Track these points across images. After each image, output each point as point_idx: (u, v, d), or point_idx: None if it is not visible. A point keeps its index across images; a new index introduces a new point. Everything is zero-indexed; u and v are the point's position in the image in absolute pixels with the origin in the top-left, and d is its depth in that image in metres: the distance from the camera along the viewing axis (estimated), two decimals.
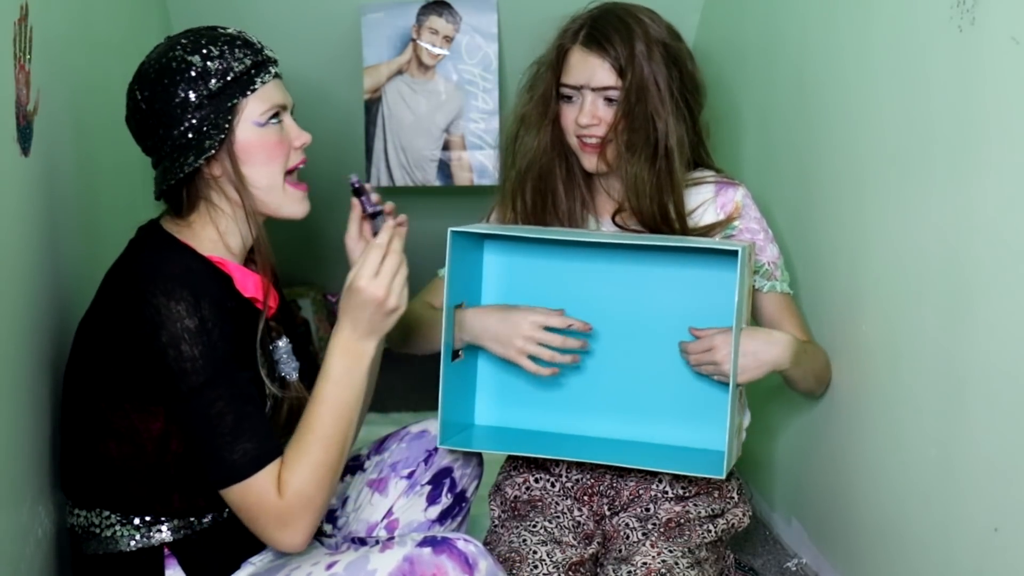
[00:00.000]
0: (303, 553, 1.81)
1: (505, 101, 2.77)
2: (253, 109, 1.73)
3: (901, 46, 1.83)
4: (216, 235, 1.76)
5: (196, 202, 1.75)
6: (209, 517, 1.75)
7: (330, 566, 1.68)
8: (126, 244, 1.77)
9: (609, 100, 2.00)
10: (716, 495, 2.06)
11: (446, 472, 2.03)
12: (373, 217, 1.80)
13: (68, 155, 1.96)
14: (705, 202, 2.08)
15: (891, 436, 1.92)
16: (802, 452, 2.33)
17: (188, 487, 1.70)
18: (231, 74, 1.70)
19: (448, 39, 2.78)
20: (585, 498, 2.08)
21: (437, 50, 2.79)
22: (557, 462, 2.10)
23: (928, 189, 1.76)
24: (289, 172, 1.77)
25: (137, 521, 1.72)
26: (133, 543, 1.72)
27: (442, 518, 2.03)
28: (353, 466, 2.05)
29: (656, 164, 2.00)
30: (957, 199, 1.68)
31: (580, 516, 2.06)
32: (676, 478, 2.05)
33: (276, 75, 1.76)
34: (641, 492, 2.06)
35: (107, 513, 1.72)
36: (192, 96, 1.69)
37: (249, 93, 1.72)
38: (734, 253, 1.89)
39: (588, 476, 2.09)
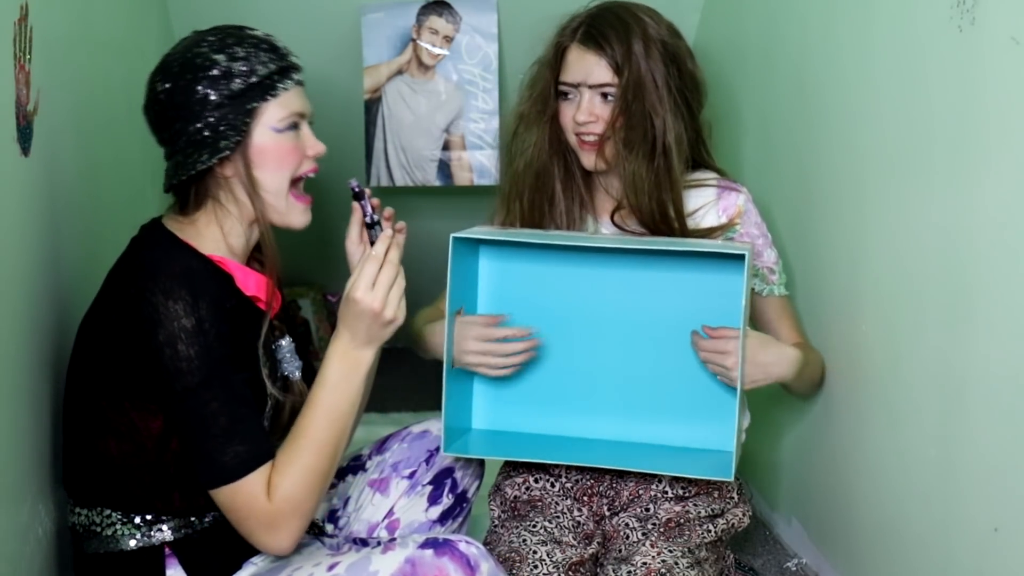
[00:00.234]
0: (305, 554, 1.81)
1: (505, 101, 2.77)
2: (272, 114, 1.73)
3: (901, 46, 1.83)
4: (219, 234, 1.76)
5: (204, 200, 1.75)
6: (210, 516, 1.75)
7: (332, 567, 1.68)
8: (127, 243, 1.77)
9: (606, 97, 2.01)
10: (716, 495, 2.06)
11: (448, 472, 2.04)
12: (370, 227, 1.80)
13: (68, 155, 1.96)
14: (706, 204, 2.08)
15: (891, 436, 1.92)
16: (802, 452, 2.33)
17: (188, 486, 1.70)
18: (254, 77, 1.70)
19: (448, 39, 2.78)
20: (585, 498, 2.08)
21: (437, 50, 2.79)
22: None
23: (928, 189, 1.76)
24: (296, 181, 1.77)
25: (138, 520, 1.72)
26: (134, 542, 1.72)
27: (443, 518, 2.03)
28: (355, 466, 2.05)
29: (654, 161, 2.00)
30: (957, 198, 1.68)
31: (580, 516, 2.06)
32: (676, 478, 2.05)
33: (298, 82, 1.76)
34: (641, 492, 2.06)
35: (108, 512, 1.72)
36: (213, 95, 1.69)
37: (270, 98, 1.72)
38: (736, 256, 1.88)
39: (588, 476, 2.09)
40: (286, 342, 1.84)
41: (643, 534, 1.99)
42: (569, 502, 2.07)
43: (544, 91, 2.06)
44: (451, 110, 2.82)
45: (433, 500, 2.02)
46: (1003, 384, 1.60)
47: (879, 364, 1.95)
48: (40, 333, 1.79)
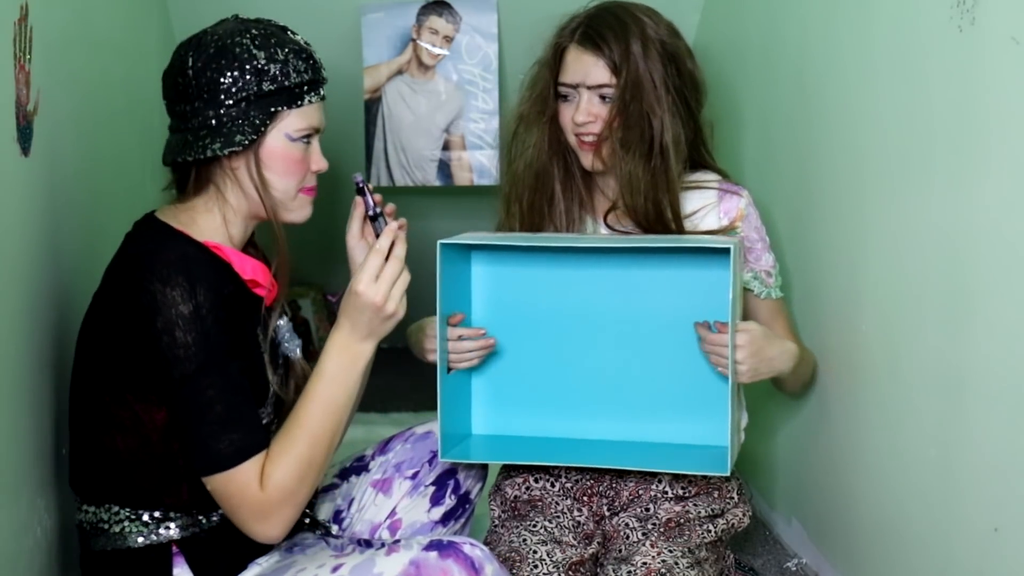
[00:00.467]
0: (309, 554, 1.82)
1: (505, 101, 2.77)
2: (291, 123, 1.73)
3: (901, 46, 1.83)
4: (217, 221, 1.76)
5: (205, 185, 1.75)
6: (217, 515, 1.75)
7: (336, 568, 1.68)
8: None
9: (605, 98, 2.01)
10: (716, 495, 2.06)
11: (450, 473, 2.04)
12: (373, 220, 1.81)
13: (68, 155, 1.96)
14: (707, 206, 2.08)
15: (891, 436, 1.92)
16: (802, 452, 2.33)
17: (196, 479, 1.70)
18: (286, 82, 1.71)
19: (448, 39, 2.78)
20: (585, 498, 2.08)
21: (437, 50, 2.79)
22: None
23: (928, 189, 1.76)
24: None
25: (146, 517, 1.72)
26: (141, 539, 1.72)
27: (445, 519, 2.03)
28: (358, 467, 2.05)
29: (651, 161, 2.00)
30: (957, 198, 1.68)
31: (580, 516, 2.06)
32: (676, 478, 2.05)
33: (322, 97, 1.77)
34: (641, 492, 2.06)
35: (116, 509, 1.73)
36: (242, 88, 1.69)
37: (295, 107, 1.73)
38: (725, 251, 1.89)
39: (588, 476, 2.09)
40: (283, 322, 1.84)
41: (643, 534, 1.99)
42: (569, 502, 2.07)
43: (543, 92, 2.06)
44: (451, 110, 2.82)
45: (435, 501, 2.02)
46: (1003, 384, 1.60)
47: (878, 364, 1.95)
48: (40, 332, 1.79)
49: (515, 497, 2.10)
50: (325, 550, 1.87)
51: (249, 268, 1.77)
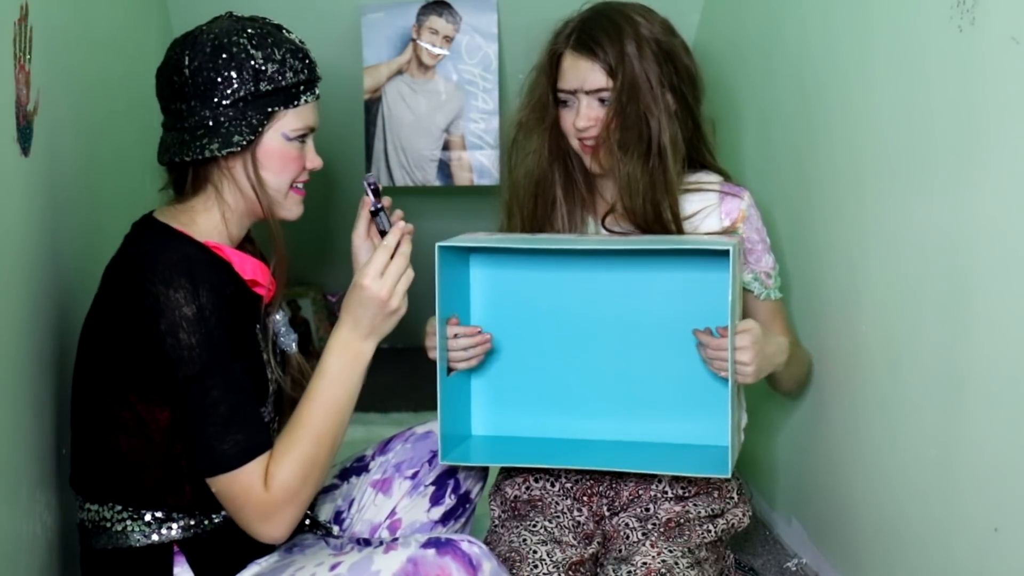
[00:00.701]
0: (308, 554, 1.82)
1: (505, 101, 2.77)
2: (288, 123, 1.74)
3: (901, 46, 1.83)
4: (216, 220, 1.76)
5: (203, 185, 1.76)
6: (219, 516, 1.75)
7: (334, 567, 1.68)
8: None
9: (604, 101, 2.01)
10: (716, 495, 2.06)
11: (450, 473, 2.04)
12: (374, 215, 1.81)
13: (68, 155, 1.96)
14: (708, 207, 2.08)
15: (891, 436, 1.92)
16: (801, 452, 2.33)
17: (200, 479, 1.70)
18: (283, 82, 1.71)
19: (448, 39, 2.78)
20: (585, 498, 2.08)
21: (437, 50, 2.79)
22: None
23: (928, 188, 1.76)
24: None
25: (148, 517, 1.73)
26: (143, 539, 1.72)
27: (445, 519, 2.03)
28: (358, 467, 2.05)
29: (649, 162, 2.00)
30: (957, 198, 1.68)
31: (580, 516, 2.06)
32: (676, 478, 2.05)
33: (317, 96, 1.77)
34: (641, 492, 2.06)
35: (119, 508, 1.73)
36: (239, 88, 1.69)
37: (291, 107, 1.73)
38: (725, 252, 1.89)
39: (588, 476, 2.09)
40: (280, 316, 1.84)
41: (643, 534, 1.99)
42: (569, 502, 2.07)
43: (542, 98, 2.06)
44: (451, 110, 2.82)
45: (435, 501, 2.02)
46: (1003, 384, 1.60)
47: (879, 364, 1.95)
48: (41, 332, 1.79)
49: (515, 497, 2.10)
50: (324, 549, 1.87)
51: (249, 268, 1.77)
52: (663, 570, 1.91)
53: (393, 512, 2.00)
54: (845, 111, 2.05)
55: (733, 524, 2.05)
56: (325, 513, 2.00)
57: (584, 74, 2.00)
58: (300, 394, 1.76)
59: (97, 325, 1.72)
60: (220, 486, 1.66)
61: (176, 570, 1.72)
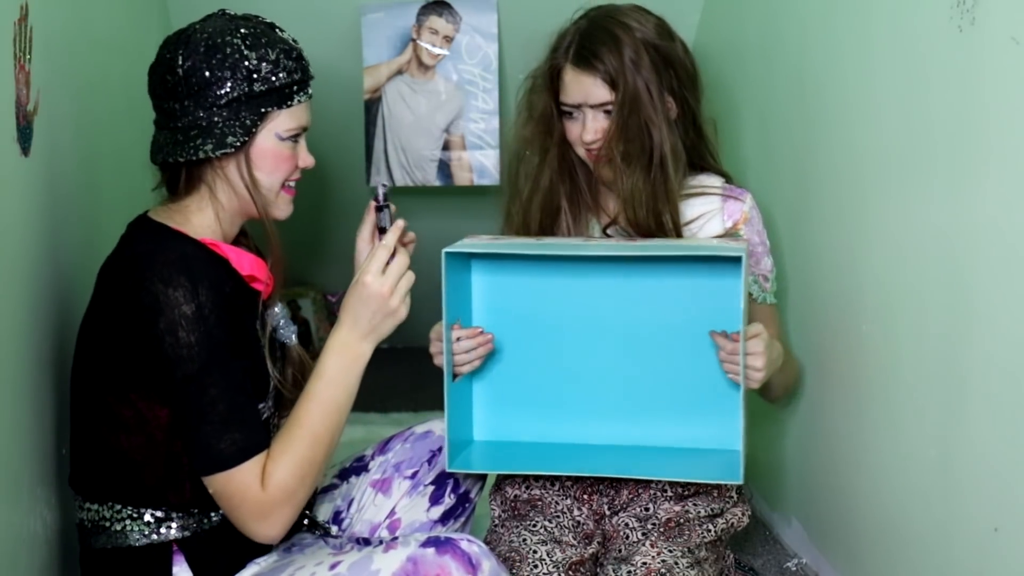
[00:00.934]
0: (308, 553, 1.82)
1: (505, 101, 2.77)
2: (281, 123, 1.74)
3: (901, 46, 1.83)
4: (209, 220, 1.76)
5: (196, 184, 1.76)
6: (219, 515, 1.75)
7: (334, 566, 1.68)
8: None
9: (609, 112, 2.01)
10: (715, 494, 2.06)
11: (450, 472, 2.03)
12: (379, 211, 1.81)
13: (68, 155, 1.96)
14: (710, 212, 2.08)
15: (891, 436, 1.92)
16: (802, 452, 2.33)
17: (199, 477, 1.70)
18: (276, 83, 1.71)
19: (448, 39, 2.78)
20: (585, 497, 2.08)
21: (437, 50, 2.79)
22: None
23: (928, 188, 1.76)
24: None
25: (148, 517, 1.73)
26: (142, 538, 1.72)
27: (445, 519, 2.03)
28: (358, 467, 2.05)
29: (651, 173, 2.01)
30: (957, 198, 1.68)
31: (580, 516, 2.06)
32: None
33: (310, 96, 1.77)
34: (640, 491, 2.06)
35: (119, 507, 1.73)
36: (233, 90, 1.69)
37: (285, 107, 1.73)
38: (732, 259, 1.88)
39: (587, 475, 2.08)
40: (279, 309, 1.84)
41: (643, 534, 1.99)
42: (569, 501, 2.07)
43: (545, 112, 2.06)
44: (451, 110, 2.82)
45: (435, 500, 2.02)
46: (1003, 384, 1.60)
47: (879, 364, 1.95)
48: (41, 332, 1.79)
49: (515, 497, 2.10)
50: (324, 549, 1.87)
51: (247, 264, 1.78)
52: (663, 570, 1.91)
53: (392, 512, 2.00)
54: (845, 111, 2.05)
55: (732, 523, 2.05)
56: (324, 513, 2.00)
57: (587, 89, 2.00)
58: (300, 386, 1.76)
59: (96, 324, 1.72)
60: (217, 485, 1.66)
61: (175, 569, 1.72)
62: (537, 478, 2.10)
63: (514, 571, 1.92)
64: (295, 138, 1.77)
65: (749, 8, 2.54)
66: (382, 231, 1.82)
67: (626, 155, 2.00)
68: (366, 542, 1.95)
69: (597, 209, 2.12)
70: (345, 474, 2.05)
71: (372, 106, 2.83)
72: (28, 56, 1.71)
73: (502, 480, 2.14)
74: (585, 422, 2.04)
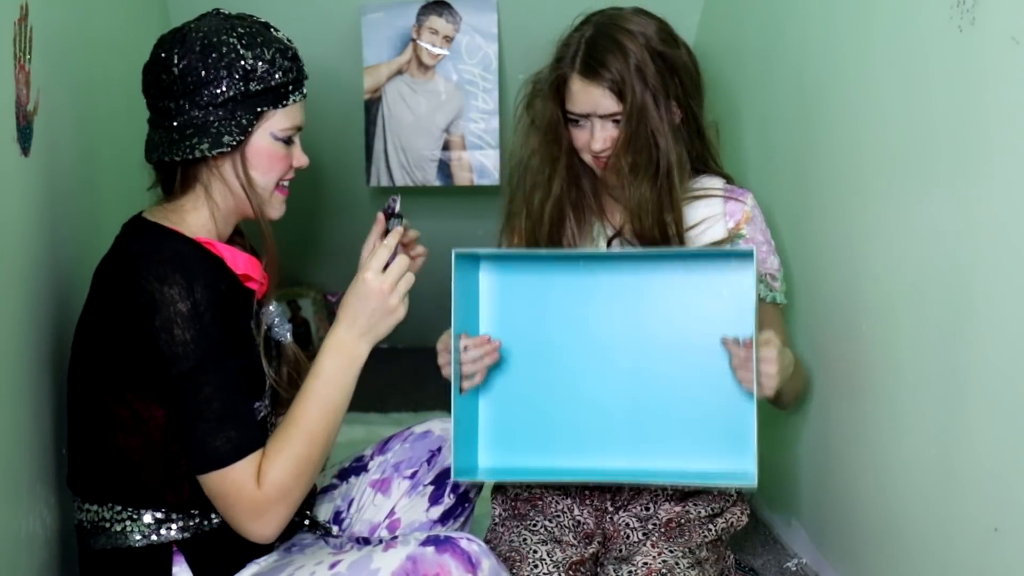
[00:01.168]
0: (307, 553, 1.82)
1: (505, 101, 2.77)
2: (277, 122, 1.74)
3: (901, 46, 1.83)
4: (204, 219, 1.76)
5: (192, 184, 1.76)
6: (218, 516, 1.75)
7: (333, 565, 1.68)
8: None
9: (617, 122, 2.00)
10: (715, 494, 2.06)
11: (449, 473, 2.03)
12: (388, 218, 1.81)
13: (68, 155, 1.96)
14: (713, 215, 2.08)
15: (891, 436, 1.92)
16: (802, 452, 2.33)
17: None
18: (272, 82, 1.71)
19: (448, 39, 2.78)
20: (585, 497, 2.08)
21: (437, 50, 2.79)
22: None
23: (928, 188, 1.76)
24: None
25: (148, 518, 1.72)
26: (141, 539, 1.72)
27: (444, 518, 2.03)
28: (357, 467, 2.05)
29: (658, 182, 2.01)
30: (957, 198, 1.68)
31: (580, 515, 2.06)
32: None
33: (305, 95, 1.77)
34: (640, 491, 2.06)
35: (118, 508, 1.73)
36: (229, 89, 1.69)
37: (280, 107, 1.73)
38: (743, 254, 1.87)
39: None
40: (273, 307, 1.84)
41: (644, 534, 1.99)
42: (569, 501, 2.07)
43: (552, 120, 2.05)
44: (451, 110, 2.82)
45: (434, 500, 2.02)
46: (1003, 384, 1.60)
47: (879, 364, 1.95)
48: (40, 332, 1.79)
49: (515, 496, 2.10)
50: (323, 548, 1.88)
51: (242, 263, 1.78)
52: (664, 570, 1.91)
53: (392, 512, 2.00)
54: (845, 112, 2.05)
55: (732, 523, 2.06)
56: (324, 513, 2.00)
57: (596, 100, 1.99)
58: (296, 385, 1.76)
59: (92, 324, 1.72)
60: (212, 483, 1.66)
61: (175, 570, 1.72)
62: None
63: (514, 571, 1.92)
64: (290, 138, 1.77)
65: (749, 8, 2.54)
66: (386, 234, 1.81)
67: (634, 166, 2.00)
68: (366, 542, 1.95)
69: (602, 215, 2.13)
70: (344, 474, 2.05)
71: (372, 106, 2.83)
72: (28, 56, 1.71)
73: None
74: (595, 438, 1.99)
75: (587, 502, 2.08)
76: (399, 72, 2.81)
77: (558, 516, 2.05)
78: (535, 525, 2.02)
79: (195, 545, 1.74)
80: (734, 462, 1.92)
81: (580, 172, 2.10)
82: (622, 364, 1.99)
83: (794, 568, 2.34)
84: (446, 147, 2.84)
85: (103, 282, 1.72)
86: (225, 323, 1.68)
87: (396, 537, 1.82)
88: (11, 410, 1.68)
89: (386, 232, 1.81)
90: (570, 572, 1.94)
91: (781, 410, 2.28)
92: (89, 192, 2.08)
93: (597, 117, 2.01)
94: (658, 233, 2.03)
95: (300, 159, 1.80)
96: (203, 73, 1.69)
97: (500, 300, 2.02)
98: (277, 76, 1.72)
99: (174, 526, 1.73)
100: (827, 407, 2.18)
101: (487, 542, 2.02)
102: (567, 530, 2.02)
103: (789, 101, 2.31)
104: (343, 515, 2.01)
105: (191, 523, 1.74)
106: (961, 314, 1.69)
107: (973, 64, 1.62)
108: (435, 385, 1.96)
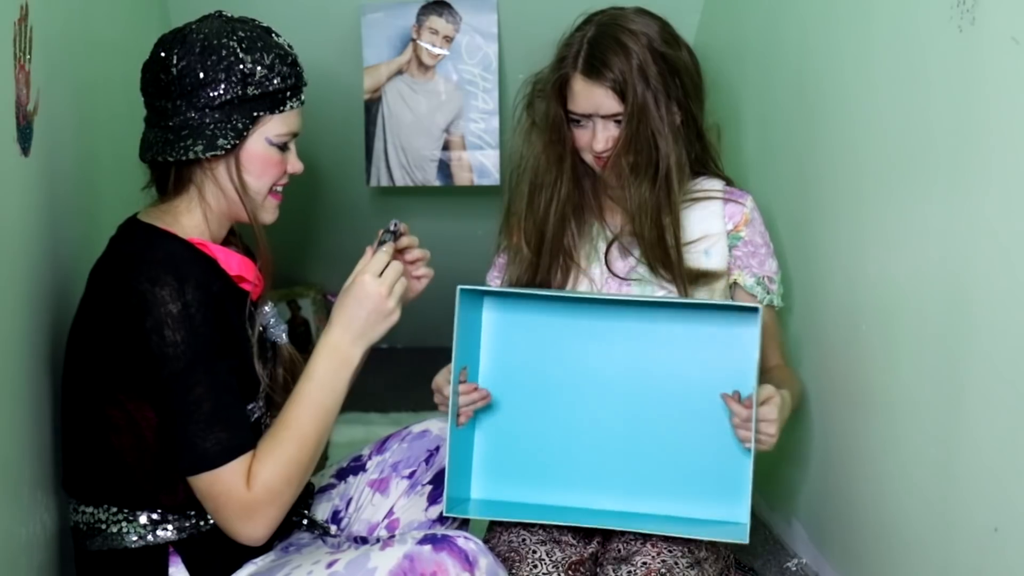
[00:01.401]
0: (305, 552, 1.82)
1: (505, 101, 2.77)
2: (273, 128, 1.74)
3: (901, 46, 1.83)
4: (197, 221, 1.77)
5: (185, 185, 1.76)
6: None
7: (331, 564, 1.68)
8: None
9: (619, 122, 2.00)
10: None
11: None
12: (384, 233, 1.81)
13: (68, 155, 1.96)
14: (713, 217, 2.09)
15: (891, 436, 1.92)
16: (802, 452, 2.33)
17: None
18: (270, 87, 1.71)
19: (448, 39, 2.78)
20: None
21: (437, 50, 2.79)
22: None
23: (928, 188, 1.76)
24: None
25: (143, 519, 1.72)
26: (138, 540, 1.72)
27: (443, 518, 2.03)
28: (355, 467, 2.05)
29: (657, 184, 2.01)
30: (957, 198, 1.68)
31: None
32: None
33: (302, 102, 1.77)
34: None
35: (114, 509, 1.73)
36: (227, 92, 1.69)
37: (277, 112, 1.73)
38: (749, 309, 1.86)
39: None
40: (269, 307, 1.84)
41: (643, 534, 1.99)
42: None
43: (556, 121, 2.05)
44: (451, 110, 2.82)
45: (433, 500, 2.02)
46: (1003, 384, 1.60)
47: (879, 364, 1.95)
48: (39, 333, 1.79)
49: None
50: (321, 548, 1.87)
51: (235, 264, 1.78)
52: (663, 570, 1.91)
53: (391, 511, 2.00)
54: (845, 112, 2.05)
55: None
56: (322, 513, 2.00)
57: (598, 100, 1.99)
58: (290, 386, 1.76)
59: (85, 326, 1.72)
60: (201, 485, 1.66)
61: (171, 571, 1.72)
62: None
63: (513, 571, 1.92)
64: (285, 143, 1.77)
65: (749, 8, 2.54)
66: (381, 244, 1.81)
67: (635, 166, 2.00)
68: (364, 541, 1.95)
69: (601, 217, 2.13)
70: (343, 474, 2.05)
71: (372, 106, 2.83)
72: (28, 56, 1.71)
73: None
74: (589, 479, 1.98)
75: None
76: (399, 72, 2.81)
77: None
78: (534, 525, 2.01)
79: (191, 546, 1.74)
80: (727, 511, 1.92)
81: (581, 173, 2.10)
82: (620, 407, 1.97)
83: (794, 568, 2.34)
84: (446, 147, 2.84)
85: (97, 283, 1.72)
86: (217, 324, 1.68)
87: (393, 536, 1.82)
88: (10, 411, 1.67)
89: (380, 243, 1.80)
90: (569, 572, 1.93)
91: None
92: (89, 192, 2.08)
93: (599, 117, 2.01)
94: (656, 235, 2.03)
95: (295, 165, 1.80)
96: (201, 75, 1.69)
97: (501, 336, 2.00)
98: (275, 81, 1.72)
99: (170, 527, 1.73)
100: (827, 407, 2.18)
101: (486, 542, 2.02)
102: (566, 530, 2.02)
103: (789, 102, 2.31)
104: (341, 515, 2.01)
105: (187, 524, 1.74)
106: (961, 315, 1.69)
107: (973, 64, 1.62)
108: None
